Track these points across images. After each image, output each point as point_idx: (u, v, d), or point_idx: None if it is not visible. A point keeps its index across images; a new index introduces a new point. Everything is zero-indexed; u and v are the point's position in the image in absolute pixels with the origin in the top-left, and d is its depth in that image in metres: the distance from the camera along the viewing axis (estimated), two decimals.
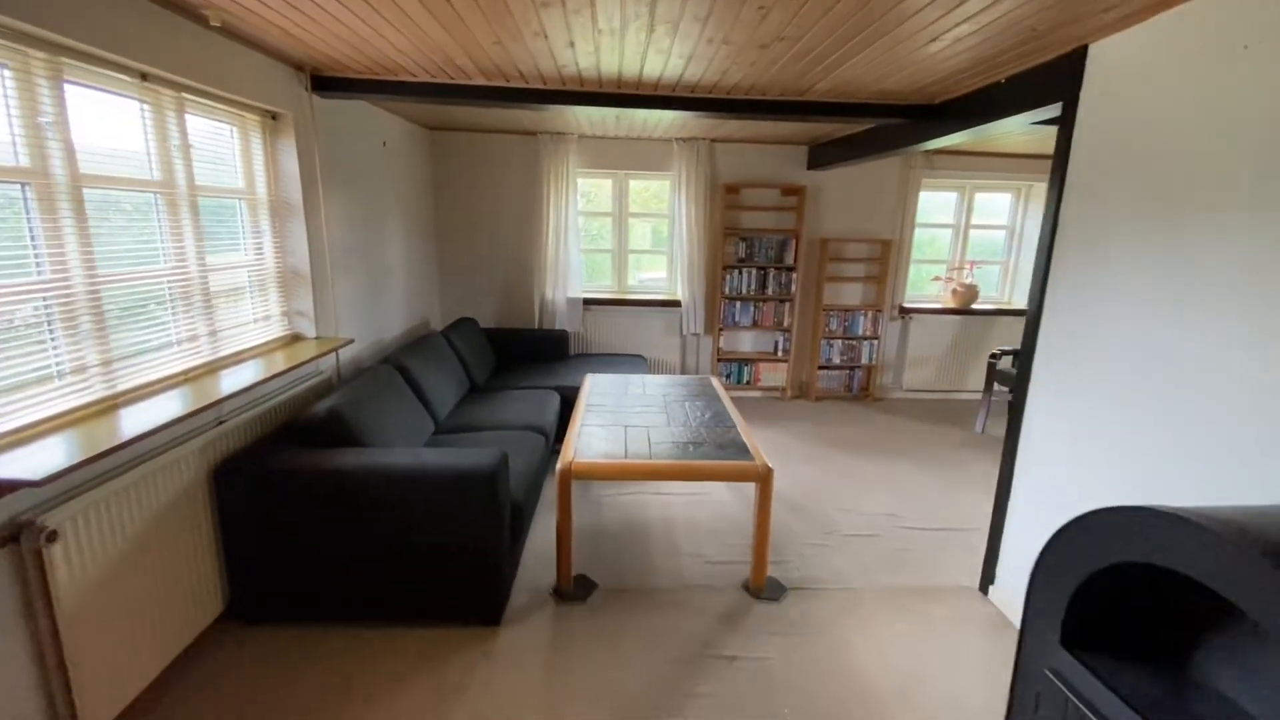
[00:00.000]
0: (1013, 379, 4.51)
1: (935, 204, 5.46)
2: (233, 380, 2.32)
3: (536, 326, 5.05)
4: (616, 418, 2.94)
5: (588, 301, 5.09)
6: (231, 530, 2.18)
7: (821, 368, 5.35)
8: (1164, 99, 1.78)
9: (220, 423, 2.27)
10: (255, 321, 2.80)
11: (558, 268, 4.90)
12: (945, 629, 2.36)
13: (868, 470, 3.84)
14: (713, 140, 4.87)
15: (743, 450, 2.55)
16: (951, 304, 5.40)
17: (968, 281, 5.35)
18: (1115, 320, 1.95)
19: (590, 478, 2.39)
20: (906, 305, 5.36)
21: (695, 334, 5.22)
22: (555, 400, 3.78)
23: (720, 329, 5.15)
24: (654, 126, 4.32)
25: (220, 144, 2.56)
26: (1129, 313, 1.90)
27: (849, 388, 5.43)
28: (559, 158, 4.73)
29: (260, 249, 2.81)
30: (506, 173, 4.92)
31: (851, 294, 5.38)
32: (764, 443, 4.26)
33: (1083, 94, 2.09)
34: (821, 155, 4.79)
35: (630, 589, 2.54)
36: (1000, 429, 4.71)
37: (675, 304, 5.12)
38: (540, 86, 2.99)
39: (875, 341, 5.29)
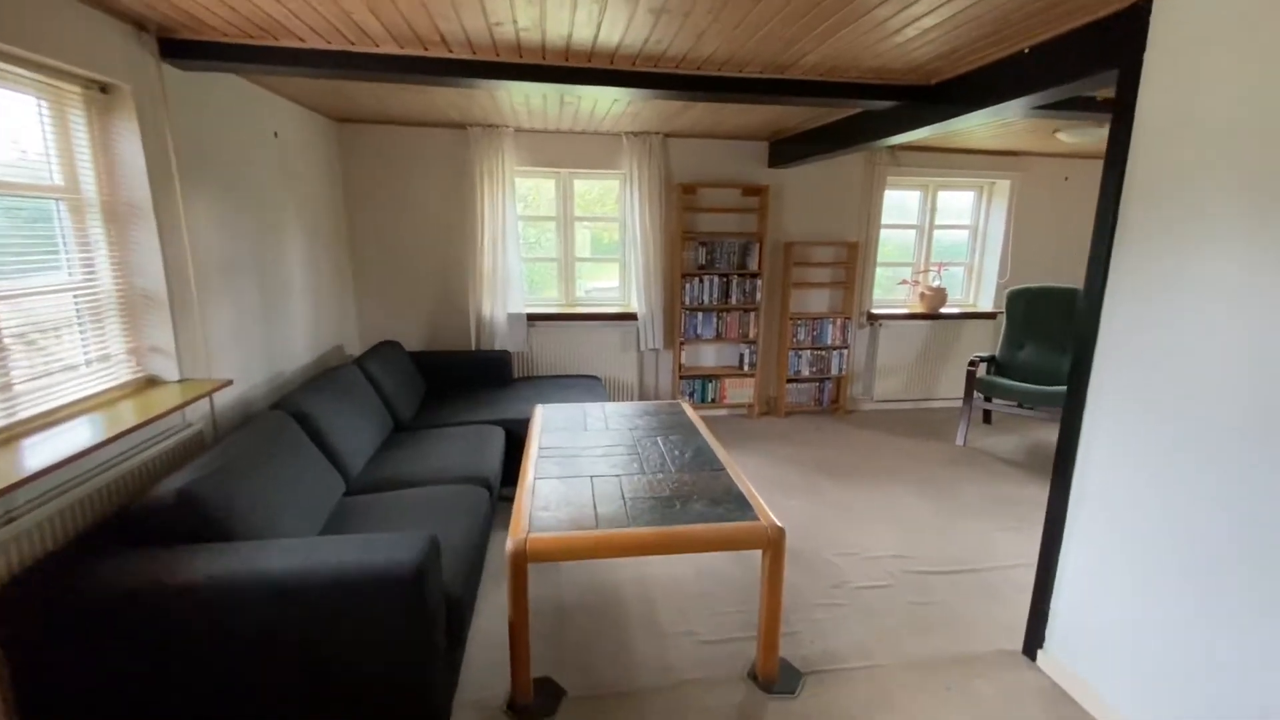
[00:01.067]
0: (996, 389, 4.30)
1: (898, 203, 5.18)
2: (39, 452, 1.63)
3: (474, 348, 4.41)
4: (577, 465, 2.38)
5: (532, 317, 4.49)
6: (27, 693, 1.48)
7: (790, 380, 4.95)
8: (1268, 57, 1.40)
9: (9, 519, 1.57)
10: (88, 364, 2.08)
11: (496, 280, 4.28)
12: (997, 711, 1.92)
13: (860, 499, 3.42)
14: (666, 135, 4.39)
15: (742, 504, 2.04)
16: (920, 308, 5.12)
17: (935, 284, 5.09)
18: (1214, 332, 1.56)
19: (552, 558, 1.82)
20: (875, 311, 5.04)
21: (654, 349, 4.71)
22: (499, 437, 3.18)
23: (681, 343, 4.66)
24: (601, 118, 3.80)
25: (21, 124, 1.85)
26: (1233, 322, 1.51)
27: (819, 401, 5.05)
28: (493, 154, 4.13)
29: (91, 267, 2.10)
30: (432, 172, 4.27)
31: (818, 301, 5.01)
32: (742, 473, 3.79)
33: (1147, 57, 1.71)
34: (783, 152, 4.40)
35: (608, 692, 1.98)
36: (981, 440, 4.43)
37: (631, 317, 4.60)
38: (468, 57, 2.41)
39: (845, 351, 4.94)
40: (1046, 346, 4.38)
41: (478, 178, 4.15)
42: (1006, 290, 4.57)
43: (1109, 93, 2.77)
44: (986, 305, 5.30)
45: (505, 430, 3.36)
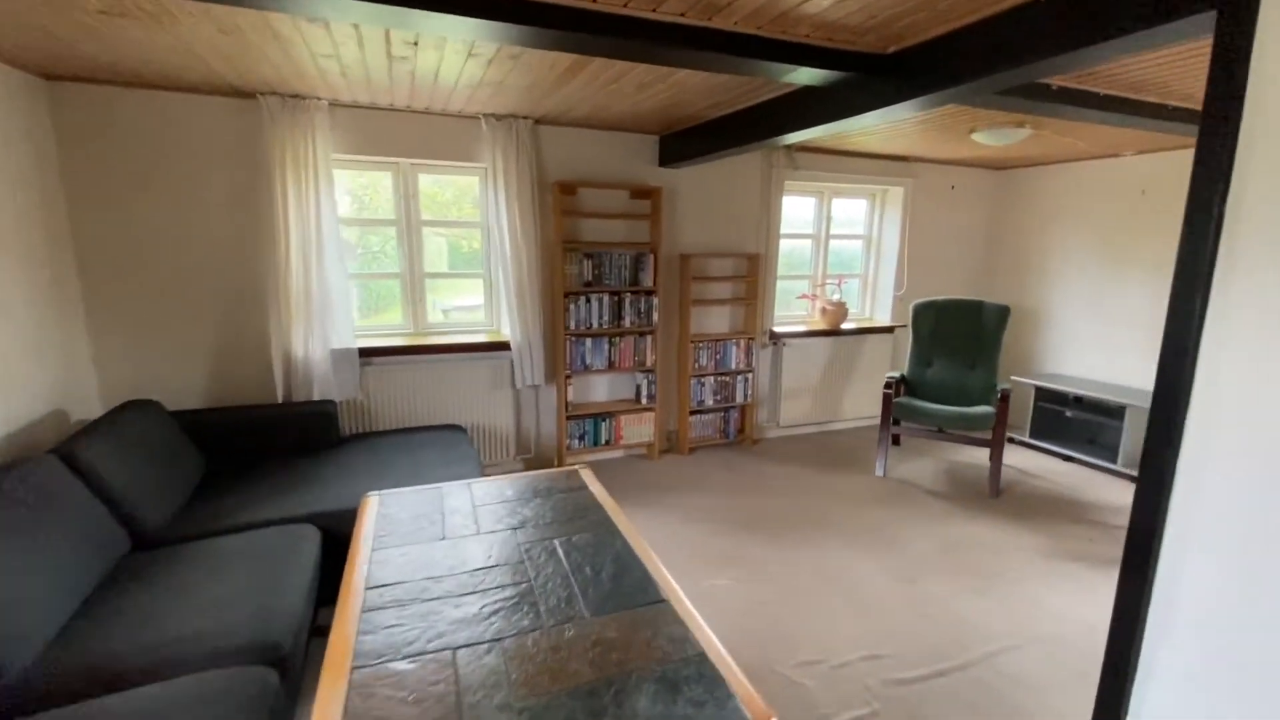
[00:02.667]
0: (914, 413, 3.91)
1: (793, 212, 4.75)
2: None
3: (281, 400, 3.23)
4: (430, 621, 1.46)
5: (367, 352, 3.40)
6: None
7: (694, 412, 4.29)
8: None
9: None
10: None
11: (310, 305, 3.16)
12: None
13: (801, 567, 2.79)
14: (537, 121, 3.53)
15: (711, 684, 1.25)
16: (821, 325, 4.71)
17: (835, 299, 4.71)
18: None
19: None
20: (777, 329, 4.54)
21: (533, 385, 3.81)
22: (309, 549, 2.13)
23: (567, 376, 3.80)
24: (451, 88, 2.86)
25: None
26: None
27: (724, 433, 4.44)
28: (300, 136, 3.02)
29: None
30: (208, 159, 3.05)
31: (719, 320, 4.41)
32: (656, 543, 3.01)
33: None
34: (676, 148, 3.73)
35: None
36: (899, 468, 4.06)
37: (502, 346, 3.66)
38: None
39: (749, 375, 4.38)
40: (955, 362, 4.12)
41: (277, 167, 3.01)
42: (912, 304, 4.26)
43: (1066, 81, 2.38)
44: (884, 319, 5.03)
45: (323, 531, 2.31)
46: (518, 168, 3.43)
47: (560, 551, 1.76)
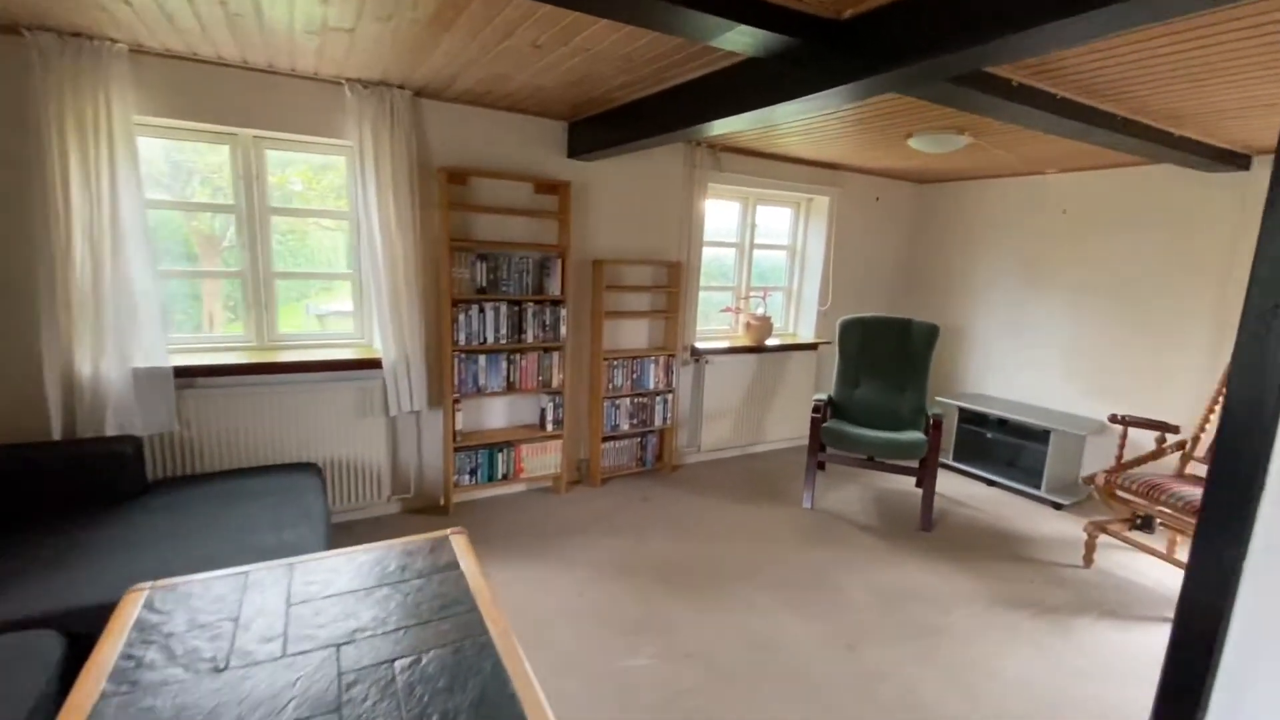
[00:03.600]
0: (844, 440, 3.43)
1: (716, 219, 4.39)
2: None
3: (59, 436, 2.43)
4: None
5: (189, 372, 2.66)
6: None
7: (607, 439, 3.80)
8: None
9: None
10: None
11: (101, 309, 2.40)
12: None
13: (727, 632, 2.36)
14: (417, 93, 2.94)
15: None
16: (745, 340, 4.37)
17: (760, 313, 4.38)
18: None
19: None
20: (699, 345, 4.14)
21: (413, 411, 3.18)
22: (32, 675, 1.45)
23: (456, 399, 3.21)
24: (299, 37, 2.23)
25: None
26: None
27: (641, 460, 3.98)
28: (86, 89, 2.28)
29: None
30: None
31: (636, 334, 3.96)
32: (559, 608, 2.48)
33: None
34: (586, 136, 3.25)
35: None
36: (826, 498, 3.75)
37: (373, 365, 3.02)
38: None
39: (669, 396, 3.95)
40: (884, 384, 3.88)
41: (54, 128, 2.26)
42: (838, 320, 3.99)
43: (1026, 77, 2.10)
44: (808, 335, 4.77)
45: (71, 639, 1.61)
46: (393, 148, 2.82)
47: (400, 684, 1.21)
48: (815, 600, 2.62)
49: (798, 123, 3.07)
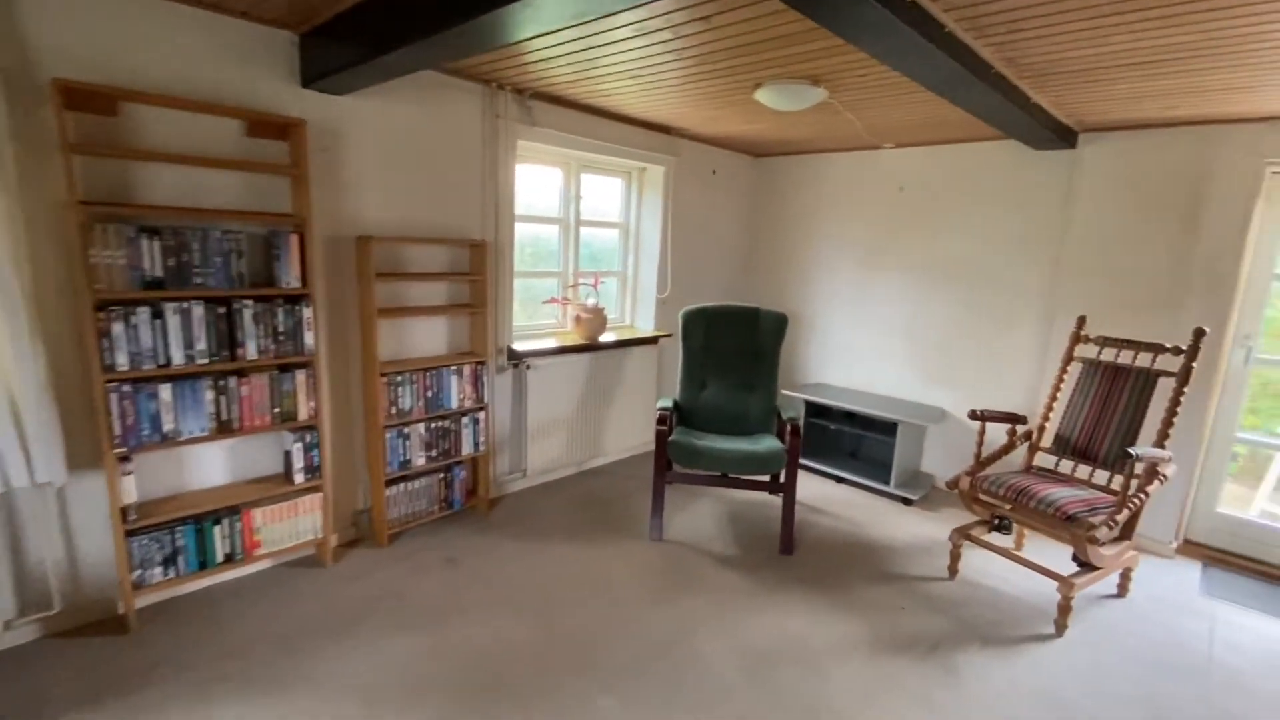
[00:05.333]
0: (698, 457, 2.89)
1: (533, 189, 3.56)
2: None
3: None
4: None
5: None
6: None
7: (394, 481, 2.83)
8: None
9: None
10: None
11: None
12: None
13: None
14: None
15: None
16: (576, 337, 3.62)
17: (592, 303, 3.65)
18: None
19: None
20: (518, 347, 3.31)
21: (42, 484, 1.96)
22: None
23: (123, 456, 2.04)
24: None
25: None
26: None
27: (446, 501, 3.06)
28: None
29: None
30: None
31: (430, 337, 3.01)
32: None
33: None
34: (326, 54, 2.23)
35: None
36: (672, 522, 3.16)
37: None
38: None
39: (482, 414, 3.07)
40: (732, 383, 3.37)
41: None
42: (681, 311, 3.40)
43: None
44: (646, 327, 4.16)
45: None
46: None
47: None
48: (673, 685, 1.98)
49: (629, 55, 2.34)
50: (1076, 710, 1.99)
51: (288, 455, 2.48)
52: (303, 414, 2.42)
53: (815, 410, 4.07)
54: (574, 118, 3.32)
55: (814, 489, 3.71)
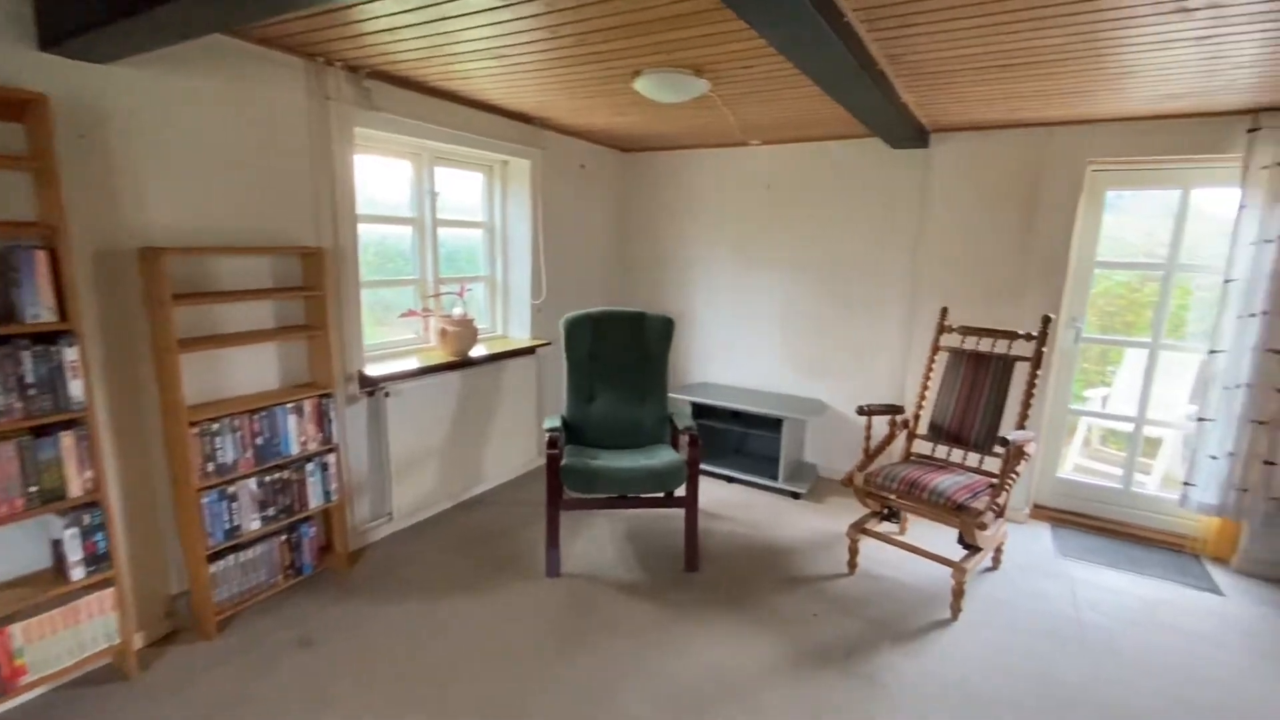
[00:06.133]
0: (596, 479, 2.61)
1: (378, 183, 3.07)
2: None
3: None
4: None
5: None
6: None
7: (219, 554, 2.25)
8: None
9: None
10: None
11: None
12: None
13: None
14: None
15: None
16: (442, 353, 3.19)
17: (458, 313, 3.24)
18: None
19: None
20: (371, 372, 2.82)
21: None
22: None
23: None
24: None
25: None
26: None
27: (293, 567, 2.53)
28: None
29: None
30: None
31: (255, 369, 2.44)
32: None
33: None
34: (70, 8, 1.65)
35: None
36: (576, 551, 2.90)
37: None
38: None
39: (330, 457, 2.57)
40: (621, 393, 3.16)
41: None
42: (562, 319, 3.12)
43: None
44: (521, 336, 3.81)
45: None
46: None
47: None
48: None
49: (492, 30, 2.00)
50: (985, 695, 2.04)
51: (57, 545, 1.85)
52: (74, 489, 1.81)
53: (701, 411, 3.99)
54: (424, 103, 2.89)
55: (707, 492, 3.62)
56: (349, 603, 2.45)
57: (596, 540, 3.03)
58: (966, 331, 2.95)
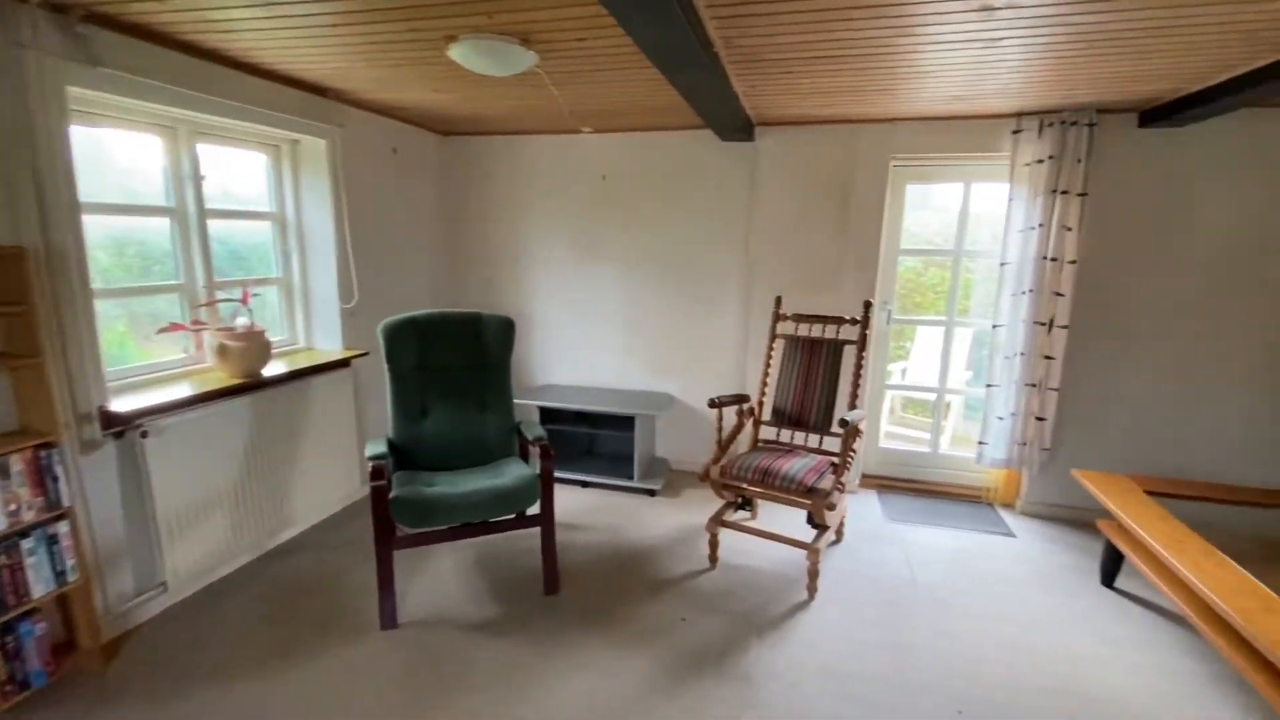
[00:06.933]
0: (433, 511, 2.34)
1: (120, 164, 2.39)
2: None
3: None
4: None
5: None
6: None
7: None
8: None
9: None
10: None
11: None
12: None
13: None
14: None
15: None
16: (224, 375, 2.59)
17: (243, 324, 2.65)
18: None
19: None
20: (116, 409, 2.18)
21: None
22: None
23: None
24: None
25: None
26: None
27: (15, 680, 1.85)
28: None
29: None
30: None
31: None
32: None
33: None
34: None
35: None
36: (415, 591, 2.53)
37: None
38: None
39: (60, 526, 1.92)
40: (460, 405, 2.82)
41: None
42: (381, 325, 2.69)
43: None
44: (332, 346, 3.26)
45: None
46: None
47: None
48: None
49: None
50: (848, 674, 2.10)
51: None
52: None
53: (550, 415, 3.76)
54: (172, 61, 2.28)
55: (562, 500, 3.41)
56: (105, 715, 1.86)
57: (440, 576, 2.67)
58: (800, 319, 3.06)
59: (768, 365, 3.12)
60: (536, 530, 2.58)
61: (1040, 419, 3.17)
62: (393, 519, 2.29)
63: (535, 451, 2.59)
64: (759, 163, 3.43)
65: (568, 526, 3.14)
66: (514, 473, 2.55)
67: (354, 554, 2.81)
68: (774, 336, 3.13)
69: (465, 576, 2.67)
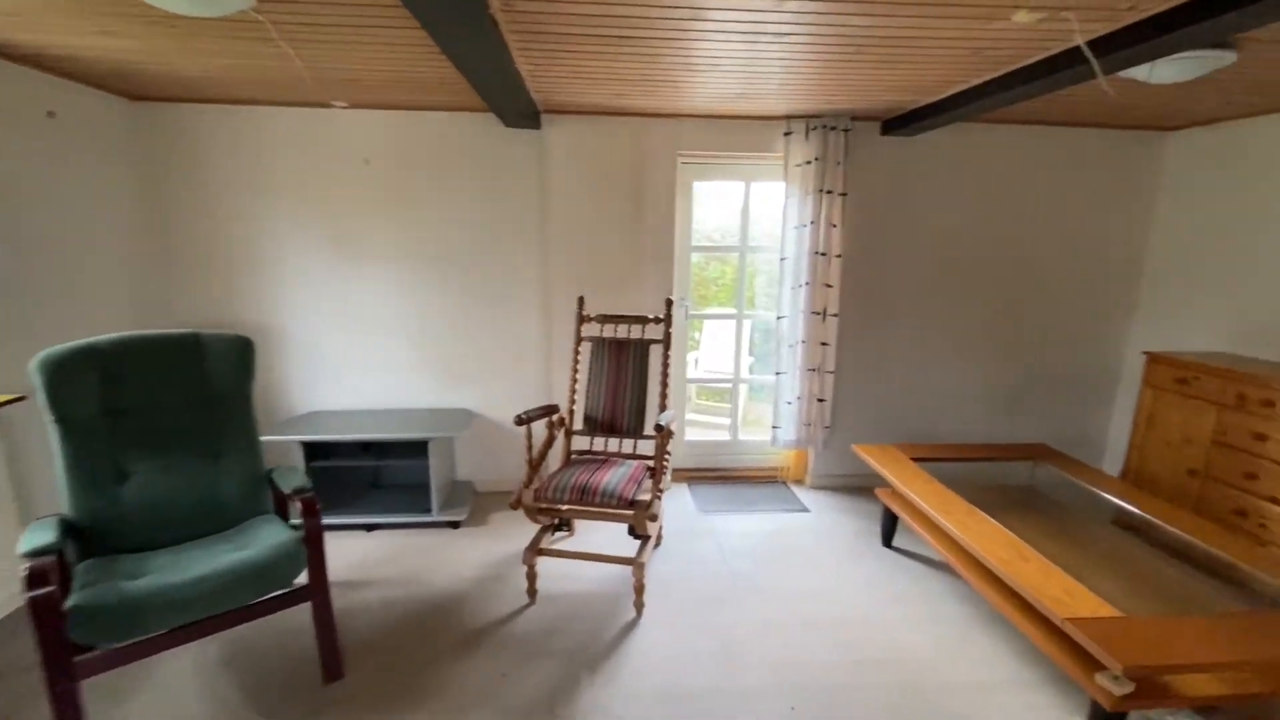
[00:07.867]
0: (135, 616, 1.60)
1: None
2: None
3: None
4: None
5: None
6: None
7: None
8: None
9: None
10: None
11: None
12: None
13: None
14: None
15: None
16: None
17: None
18: None
19: None
20: None
21: None
22: None
23: None
24: None
25: None
26: None
27: None
28: None
29: None
30: None
31: None
32: None
33: None
34: None
35: None
36: (136, 712, 1.83)
37: None
38: None
39: None
40: (177, 460, 2.12)
41: None
42: (36, 361, 1.90)
43: None
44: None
45: None
46: None
47: None
48: None
49: None
50: (683, 693, 1.99)
51: None
52: None
53: (319, 450, 3.11)
54: None
55: (341, 554, 2.83)
56: None
57: (172, 689, 1.99)
58: (604, 319, 2.91)
59: (575, 370, 2.91)
60: (307, 605, 2.03)
61: (821, 400, 3.45)
62: (72, 638, 1.60)
63: (297, 506, 2.04)
64: (548, 153, 3.19)
65: (351, 585, 2.59)
66: (266, 538, 1.98)
67: (21, 686, 1.97)
68: (579, 339, 2.93)
69: (209, 682, 2.02)
